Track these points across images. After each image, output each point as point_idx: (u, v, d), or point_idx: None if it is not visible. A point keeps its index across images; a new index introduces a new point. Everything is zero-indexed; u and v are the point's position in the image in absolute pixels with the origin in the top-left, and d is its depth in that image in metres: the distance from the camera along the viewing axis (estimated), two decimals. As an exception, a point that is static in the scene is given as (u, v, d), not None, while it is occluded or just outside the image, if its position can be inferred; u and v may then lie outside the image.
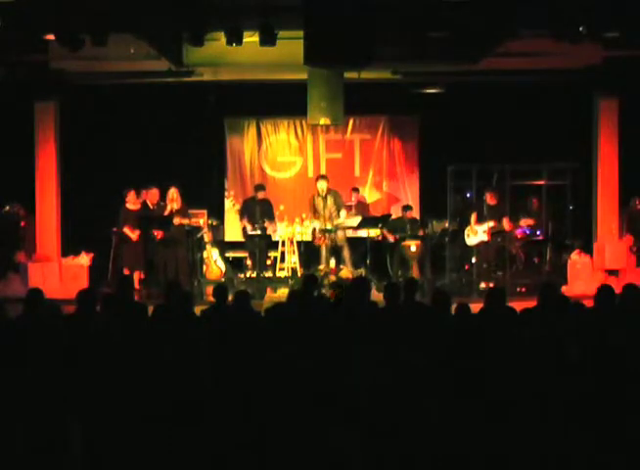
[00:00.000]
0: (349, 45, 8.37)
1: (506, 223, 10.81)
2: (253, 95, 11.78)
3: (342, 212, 10.94)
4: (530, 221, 11.37)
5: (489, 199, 10.96)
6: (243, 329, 5.27)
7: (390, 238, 11.39)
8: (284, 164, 12.93)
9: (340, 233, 10.93)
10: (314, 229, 11.01)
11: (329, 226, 10.77)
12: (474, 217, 11.05)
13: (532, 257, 11.47)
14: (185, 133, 12.00)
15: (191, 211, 10.99)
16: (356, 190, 11.94)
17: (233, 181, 12.92)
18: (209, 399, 4.01)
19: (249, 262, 11.46)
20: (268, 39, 8.85)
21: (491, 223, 10.79)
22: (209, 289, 9.40)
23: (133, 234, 10.56)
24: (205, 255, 11.16)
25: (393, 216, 11.81)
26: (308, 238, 11.22)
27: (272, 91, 11.51)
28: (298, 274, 10.92)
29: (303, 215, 11.15)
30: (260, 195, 11.36)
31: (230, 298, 6.21)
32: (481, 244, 10.97)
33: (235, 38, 8.92)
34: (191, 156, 12.09)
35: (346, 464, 3.64)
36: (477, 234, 10.97)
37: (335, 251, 10.94)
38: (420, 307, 6.18)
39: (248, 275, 11.22)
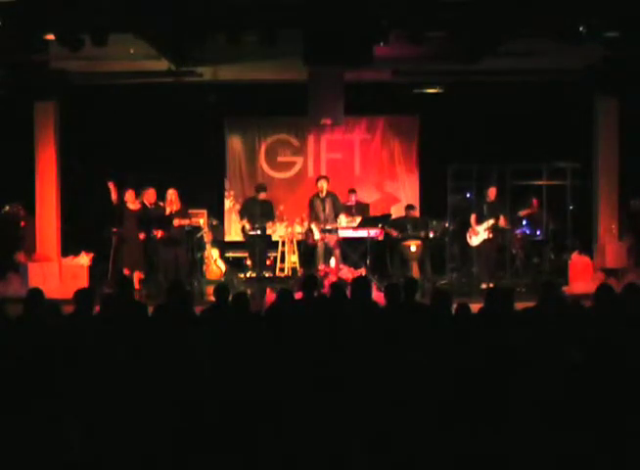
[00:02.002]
0: (349, 45, 8.37)
1: (502, 221, 10.87)
2: (253, 95, 11.78)
3: (342, 217, 10.92)
4: (531, 209, 11.37)
5: (490, 194, 10.99)
6: (242, 329, 5.27)
7: (393, 233, 11.35)
8: (284, 164, 12.93)
9: (334, 235, 10.90)
10: (308, 230, 10.99)
11: (328, 227, 10.77)
12: (473, 218, 11.08)
13: (532, 257, 11.47)
14: (185, 133, 11.99)
15: (191, 212, 10.99)
16: (354, 191, 11.89)
17: (233, 181, 12.91)
18: (209, 399, 4.01)
19: (249, 262, 11.46)
20: (268, 39, 8.85)
21: (491, 221, 10.84)
22: (209, 289, 9.41)
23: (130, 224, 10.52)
24: (205, 255, 11.16)
25: (394, 216, 11.79)
26: (308, 238, 11.23)
27: (272, 91, 11.51)
28: (298, 274, 10.92)
29: (303, 215, 11.14)
30: (262, 195, 11.32)
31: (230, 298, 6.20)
32: (483, 243, 10.99)
33: (235, 38, 8.92)
34: (191, 156, 12.08)
35: (346, 465, 3.64)
36: (478, 234, 11.01)
37: (327, 252, 10.92)
38: (420, 307, 6.18)
39: (248, 275, 11.22)
